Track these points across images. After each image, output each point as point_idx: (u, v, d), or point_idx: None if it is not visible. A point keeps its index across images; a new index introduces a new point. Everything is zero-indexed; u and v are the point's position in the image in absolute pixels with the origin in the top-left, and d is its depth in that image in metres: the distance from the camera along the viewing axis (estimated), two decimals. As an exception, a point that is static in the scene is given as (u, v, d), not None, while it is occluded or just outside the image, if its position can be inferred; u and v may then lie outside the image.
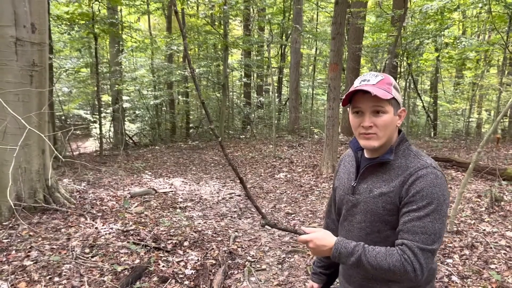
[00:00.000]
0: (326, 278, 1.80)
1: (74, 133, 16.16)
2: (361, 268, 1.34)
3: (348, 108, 1.48)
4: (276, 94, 18.94)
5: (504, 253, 3.75)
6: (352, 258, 1.33)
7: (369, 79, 1.40)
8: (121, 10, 14.63)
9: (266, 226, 1.53)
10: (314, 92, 18.78)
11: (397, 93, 1.42)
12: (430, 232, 1.28)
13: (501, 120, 16.77)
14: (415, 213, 1.30)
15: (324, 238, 1.39)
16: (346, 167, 1.61)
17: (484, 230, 4.30)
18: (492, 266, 3.51)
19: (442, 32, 11.73)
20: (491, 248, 3.84)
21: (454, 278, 3.34)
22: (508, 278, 3.27)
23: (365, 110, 1.39)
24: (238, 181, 7.51)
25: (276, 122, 16.06)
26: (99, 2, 11.12)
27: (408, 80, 14.82)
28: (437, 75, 15.61)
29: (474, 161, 4.06)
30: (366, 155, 1.50)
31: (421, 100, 15.33)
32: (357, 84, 1.41)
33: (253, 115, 17.46)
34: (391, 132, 1.41)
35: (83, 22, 10.57)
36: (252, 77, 19.31)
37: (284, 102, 18.20)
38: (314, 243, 1.40)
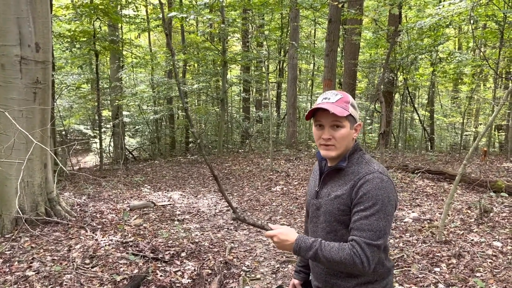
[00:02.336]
0: (306, 276, 1.97)
1: (74, 148, 16.32)
2: (317, 261, 1.52)
3: (312, 121, 1.68)
4: (275, 109, 19.19)
5: (490, 262, 3.88)
6: (310, 252, 1.52)
7: (330, 98, 1.60)
8: (121, 27, 14.92)
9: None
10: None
11: (354, 110, 1.61)
12: (376, 229, 1.46)
13: (498, 134, 16.99)
14: (363, 212, 1.48)
15: (287, 234, 1.59)
16: (314, 176, 1.82)
17: (472, 240, 4.44)
18: (478, 274, 3.64)
19: (436, 48, 12.00)
20: (477, 257, 3.97)
21: (440, 285, 3.47)
22: (492, 286, 3.41)
23: (325, 124, 1.59)
24: (235, 193, 7.64)
25: (274, 136, 16.26)
26: (100, 20, 11.38)
27: (404, 95, 15.07)
28: (433, 89, 15.85)
29: (460, 173, 4.22)
30: (328, 163, 1.70)
31: (417, 114, 15.53)
32: (319, 102, 1.61)
33: (251, 129, 17.66)
34: (347, 143, 1.61)
35: (85, 39, 10.82)
36: (251, 92, 19.56)
37: (282, 117, 18.41)
38: (278, 238, 1.59)
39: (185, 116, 17.40)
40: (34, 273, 3.67)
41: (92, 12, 10.04)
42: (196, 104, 19.87)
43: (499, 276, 3.57)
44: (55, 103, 10.82)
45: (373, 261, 1.46)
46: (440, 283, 3.51)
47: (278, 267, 4.22)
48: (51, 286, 3.48)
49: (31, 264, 3.85)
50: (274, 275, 4.04)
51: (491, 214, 5.17)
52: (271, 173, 9.23)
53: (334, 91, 1.63)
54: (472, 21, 10.40)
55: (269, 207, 6.77)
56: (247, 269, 4.16)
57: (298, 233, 1.61)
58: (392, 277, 1.67)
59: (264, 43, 15.61)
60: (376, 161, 1.63)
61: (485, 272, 3.67)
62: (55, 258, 4.02)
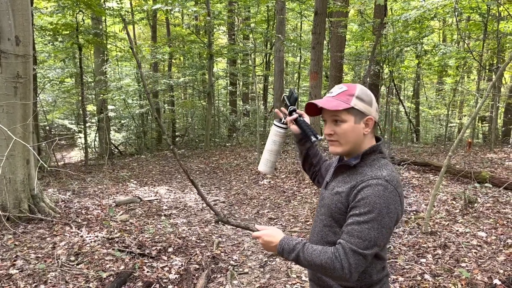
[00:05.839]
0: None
1: (58, 143, 16.07)
2: (300, 264, 1.47)
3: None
4: (262, 102, 19.15)
5: (475, 252, 3.93)
6: (293, 254, 1.47)
7: (333, 91, 1.53)
8: (105, 20, 14.67)
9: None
10: (300, 99, 19.02)
11: (361, 103, 1.49)
12: (365, 238, 1.37)
13: (481, 125, 17.22)
14: (356, 217, 1.40)
15: (272, 235, 1.56)
16: (333, 165, 1.73)
17: (457, 230, 4.49)
18: (463, 264, 3.69)
19: (421, 40, 12.07)
20: (462, 247, 4.02)
21: (426, 276, 3.50)
22: (477, 275, 3.45)
23: (327, 119, 1.53)
24: (222, 187, 7.61)
25: (261, 129, 16.23)
26: (83, 13, 11.16)
27: (390, 87, 15.15)
28: (418, 81, 15.98)
29: (446, 164, 4.25)
30: (344, 157, 1.62)
31: (403, 106, 15.65)
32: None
33: (239, 123, 17.61)
34: (355, 139, 1.50)
35: (67, 32, 10.61)
36: (237, 85, 19.47)
37: (269, 110, 18.37)
38: (263, 239, 1.56)
39: (171, 110, 17.29)
40: (17, 271, 3.61)
41: (75, 4, 9.81)
42: (183, 97, 19.72)
43: (484, 266, 3.62)
44: (38, 98, 10.62)
45: (356, 270, 1.38)
46: (426, 273, 3.55)
47: (266, 261, 4.21)
48: (35, 284, 3.42)
49: (14, 262, 3.78)
50: (262, 269, 4.03)
51: (476, 205, 5.23)
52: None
53: (342, 85, 1.55)
54: (456, 13, 10.47)
55: (256, 201, 6.76)
56: (235, 264, 4.14)
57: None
58: None
59: (250, 36, 15.52)
60: (392, 168, 1.50)
61: (470, 262, 3.72)
62: (39, 255, 3.96)
